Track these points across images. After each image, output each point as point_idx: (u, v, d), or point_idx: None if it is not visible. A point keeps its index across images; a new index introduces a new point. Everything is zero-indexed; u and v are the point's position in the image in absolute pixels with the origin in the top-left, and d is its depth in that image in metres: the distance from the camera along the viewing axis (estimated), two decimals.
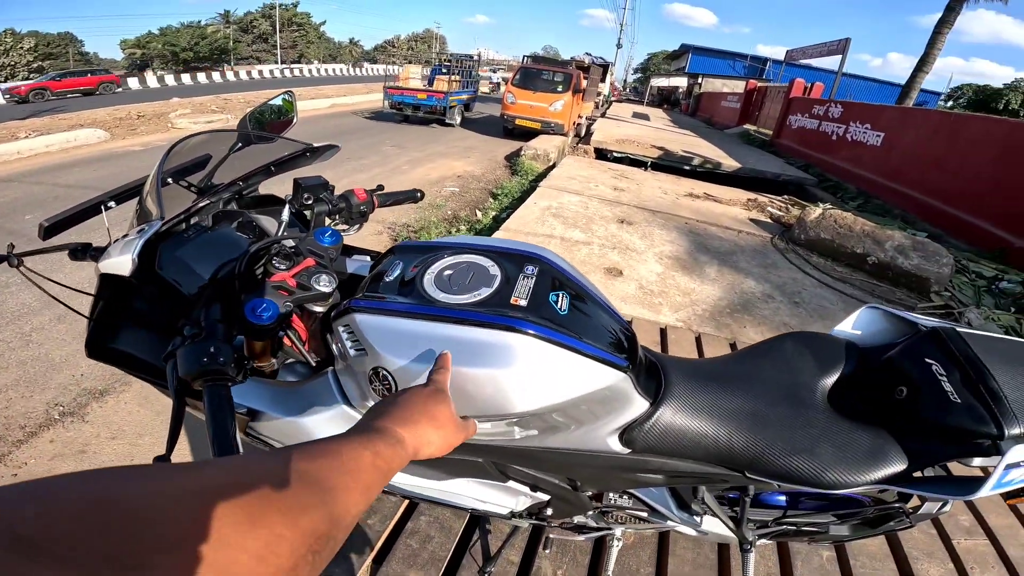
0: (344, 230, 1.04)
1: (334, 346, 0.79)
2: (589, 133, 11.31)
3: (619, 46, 35.57)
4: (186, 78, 29.57)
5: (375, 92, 17.84)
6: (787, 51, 20.14)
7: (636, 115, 18.97)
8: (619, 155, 9.11)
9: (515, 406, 0.69)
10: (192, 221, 0.91)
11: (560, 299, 0.75)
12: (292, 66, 44.03)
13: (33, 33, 41.32)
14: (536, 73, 11.18)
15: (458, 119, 12.56)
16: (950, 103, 30.31)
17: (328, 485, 0.36)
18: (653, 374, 0.83)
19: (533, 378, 0.68)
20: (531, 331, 0.68)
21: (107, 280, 0.80)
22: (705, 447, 0.79)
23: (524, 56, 13.72)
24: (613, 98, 26.50)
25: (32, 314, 2.80)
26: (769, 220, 5.75)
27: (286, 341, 0.81)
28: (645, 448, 0.78)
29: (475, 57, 16.30)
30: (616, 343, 0.76)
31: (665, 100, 34.68)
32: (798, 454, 0.76)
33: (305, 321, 0.83)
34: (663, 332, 2.77)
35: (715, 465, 0.81)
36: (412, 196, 1.22)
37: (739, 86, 21.47)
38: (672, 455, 0.80)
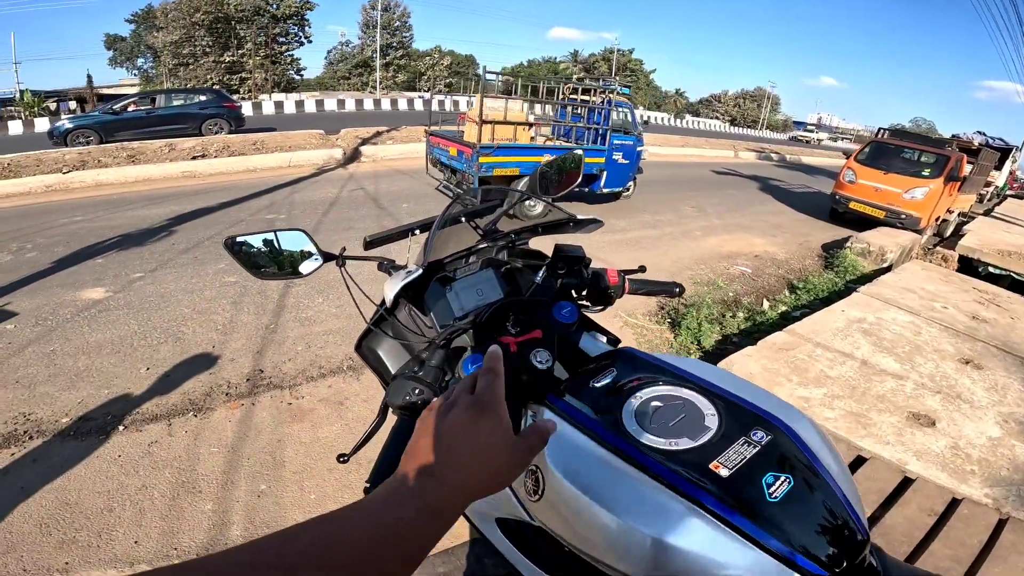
0: (586, 307, 1.07)
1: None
2: (958, 234, 8.79)
3: None
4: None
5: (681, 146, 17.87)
6: None
7: None
8: (997, 271, 6.81)
9: (621, 566, 0.61)
10: (470, 259, 1.07)
11: (778, 483, 0.61)
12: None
13: (451, 52, 51.35)
14: (894, 150, 9.12)
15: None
16: None
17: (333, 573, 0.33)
18: None
19: (673, 551, 0.58)
20: (712, 508, 0.58)
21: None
22: None
23: (880, 128, 11.22)
24: (1010, 191, 19.87)
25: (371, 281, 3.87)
26: None
27: None
28: None
29: (612, 84, 7.97)
30: (830, 551, 0.59)
31: None
32: None
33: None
34: (952, 504, 2.08)
35: None
36: (669, 290, 1.16)
37: None
38: None
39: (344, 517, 0.37)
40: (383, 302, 1.07)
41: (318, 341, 3.24)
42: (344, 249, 1.06)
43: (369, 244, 1.16)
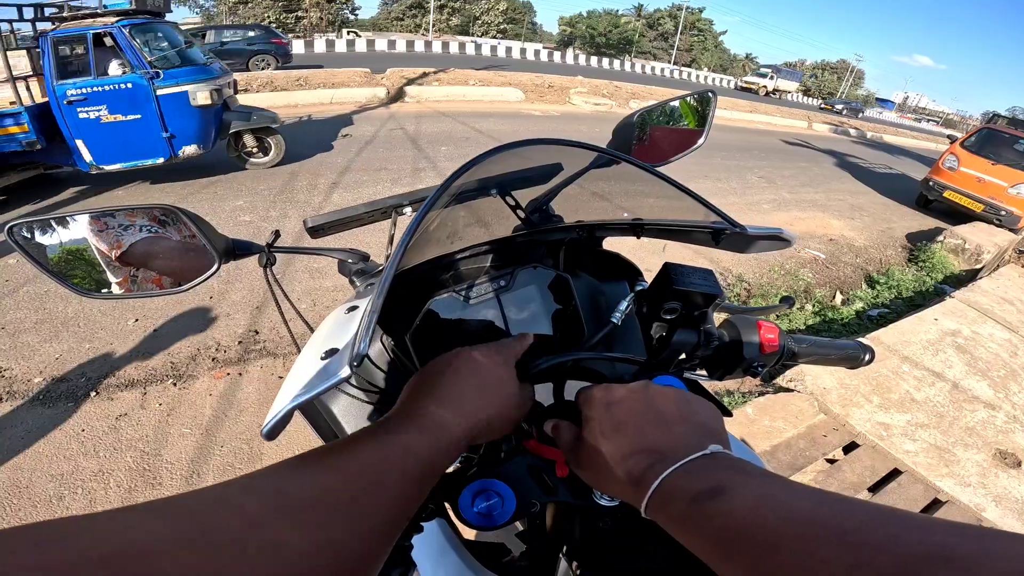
0: (703, 376, 0.64)
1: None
2: None
3: None
4: (594, 61, 33.78)
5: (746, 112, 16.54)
6: None
7: None
8: None
9: None
10: (487, 266, 0.62)
11: None
12: (683, 68, 44.19)
13: None
14: (1007, 140, 8.20)
15: None
16: None
17: (334, 513, 0.26)
18: None
19: None
20: None
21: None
22: None
23: (993, 114, 9.82)
24: None
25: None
26: None
27: None
28: None
29: None
30: None
31: None
32: None
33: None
34: None
35: None
36: (854, 356, 0.72)
37: None
38: None
39: (350, 442, 0.33)
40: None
41: (325, 298, 2.90)
42: (275, 236, 0.67)
43: (315, 231, 0.75)
